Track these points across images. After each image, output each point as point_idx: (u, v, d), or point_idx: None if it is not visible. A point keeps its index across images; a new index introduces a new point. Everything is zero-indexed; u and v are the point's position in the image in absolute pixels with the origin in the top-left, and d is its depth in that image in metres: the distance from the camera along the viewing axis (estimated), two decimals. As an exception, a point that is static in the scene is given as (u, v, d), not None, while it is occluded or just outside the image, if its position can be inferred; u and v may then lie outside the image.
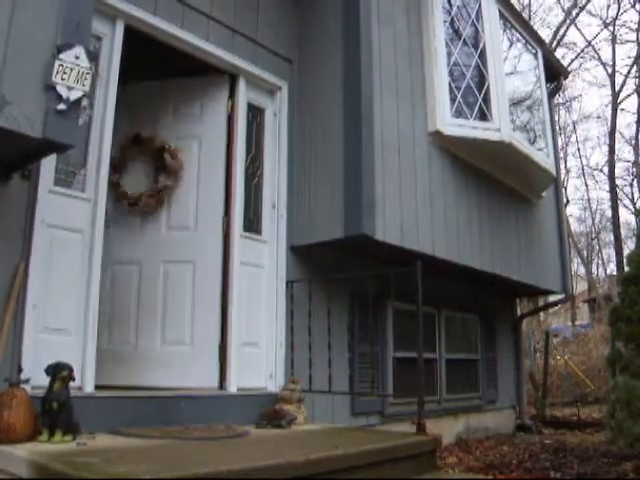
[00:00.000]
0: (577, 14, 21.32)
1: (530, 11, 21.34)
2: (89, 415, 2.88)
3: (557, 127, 13.97)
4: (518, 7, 17.36)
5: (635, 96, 22.14)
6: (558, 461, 4.80)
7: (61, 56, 2.64)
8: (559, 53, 20.57)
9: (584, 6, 21.12)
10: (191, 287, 4.05)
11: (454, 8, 5.61)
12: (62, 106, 2.62)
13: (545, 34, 19.96)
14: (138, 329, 3.97)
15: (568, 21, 21.12)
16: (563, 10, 21.43)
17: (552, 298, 8.22)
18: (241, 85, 4.44)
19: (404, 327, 5.19)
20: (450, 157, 5.31)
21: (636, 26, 20.96)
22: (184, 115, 4.39)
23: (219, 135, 4.32)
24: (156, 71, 4.34)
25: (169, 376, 3.82)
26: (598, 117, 33.46)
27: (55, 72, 2.61)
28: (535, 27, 7.28)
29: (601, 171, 24.63)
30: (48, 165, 3.19)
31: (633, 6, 20.38)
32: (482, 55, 5.63)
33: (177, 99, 4.40)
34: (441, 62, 5.26)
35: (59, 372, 2.68)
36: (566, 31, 21.31)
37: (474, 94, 5.49)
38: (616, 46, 21.87)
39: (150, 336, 3.98)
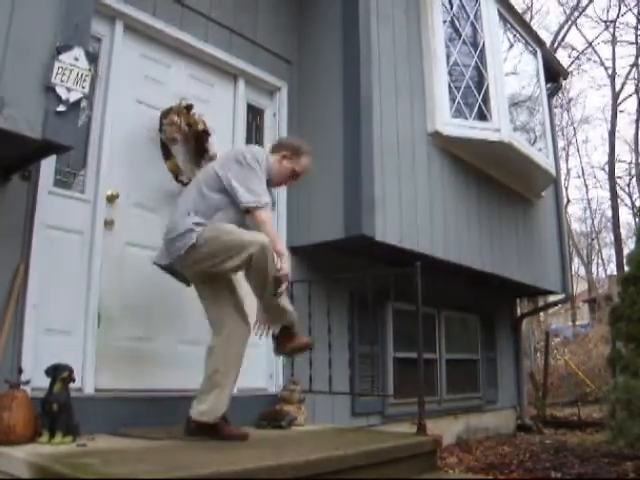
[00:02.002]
0: (578, 16, 21.34)
1: (532, 12, 21.37)
2: (89, 416, 2.88)
3: (557, 127, 13.99)
4: (520, 9, 17.40)
5: (635, 97, 22.16)
6: (559, 461, 4.80)
7: (60, 57, 2.64)
8: (560, 54, 20.61)
9: (584, 8, 21.14)
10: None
11: (454, 8, 5.62)
12: (61, 107, 2.62)
13: (544, 36, 19.94)
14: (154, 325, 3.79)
15: (569, 22, 21.13)
16: (565, 12, 21.46)
17: (552, 298, 8.23)
18: (240, 86, 4.45)
19: (404, 327, 5.19)
20: (450, 157, 5.31)
21: (634, 28, 20.98)
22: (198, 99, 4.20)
23: (227, 129, 4.32)
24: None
25: (183, 378, 3.67)
26: (598, 118, 33.48)
27: (54, 73, 2.61)
28: (535, 29, 7.29)
29: (603, 169, 24.63)
30: (48, 166, 3.18)
31: (630, 9, 20.41)
32: (481, 55, 5.63)
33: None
34: (440, 62, 5.27)
35: (59, 373, 2.68)
36: (567, 32, 21.34)
37: (473, 94, 5.50)
38: (616, 48, 21.90)
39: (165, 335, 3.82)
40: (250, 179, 3.03)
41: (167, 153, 3.80)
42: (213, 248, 2.97)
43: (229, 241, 2.95)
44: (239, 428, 3.11)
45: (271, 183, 3.24)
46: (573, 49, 22.11)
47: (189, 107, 3.95)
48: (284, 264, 2.96)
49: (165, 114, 3.81)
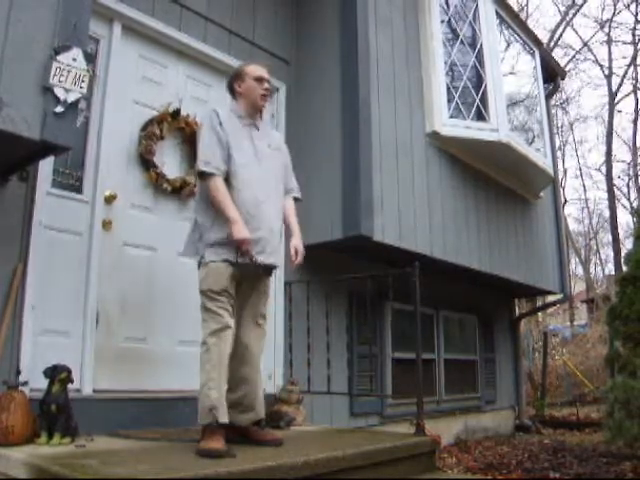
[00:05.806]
0: (573, 15, 21.36)
1: (527, 12, 21.37)
2: (88, 417, 2.87)
3: (554, 127, 14.01)
4: (516, 8, 17.42)
5: (632, 97, 22.20)
6: (557, 461, 4.81)
7: (59, 58, 2.63)
8: (556, 54, 20.59)
9: (580, 7, 21.17)
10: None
11: (451, 8, 5.62)
12: (60, 108, 2.62)
13: (540, 36, 19.94)
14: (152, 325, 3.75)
15: (564, 22, 21.16)
16: (560, 12, 21.50)
17: (550, 298, 8.24)
18: (239, 86, 4.44)
19: (403, 328, 5.19)
20: (448, 158, 5.32)
21: (631, 27, 21.02)
22: (196, 100, 4.23)
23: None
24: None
25: (182, 379, 3.68)
26: (596, 118, 33.54)
27: (52, 74, 2.60)
28: (532, 28, 7.29)
29: (599, 170, 24.69)
30: (46, 167, 3.18)
31: (627, 7, 20.44)
32: (479, 55, 5.64)
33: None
34: (438, 62, 5.27)
35: (58, 374, 2.68)
36: (562, 32, 21.36)
37: (472, 94, 5.50)
38: (614, 48, 21.96)
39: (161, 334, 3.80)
40: (202, 144, 2.81)
41: (146, 165, 3.80)
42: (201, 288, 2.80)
43: (205, 304, 2.75)
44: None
45: (255, 109, 2.97)
46: (565, 49, 22.16)
47: (176, 113, 3.94)
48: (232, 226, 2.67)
49: (144, 127, 3.81)
